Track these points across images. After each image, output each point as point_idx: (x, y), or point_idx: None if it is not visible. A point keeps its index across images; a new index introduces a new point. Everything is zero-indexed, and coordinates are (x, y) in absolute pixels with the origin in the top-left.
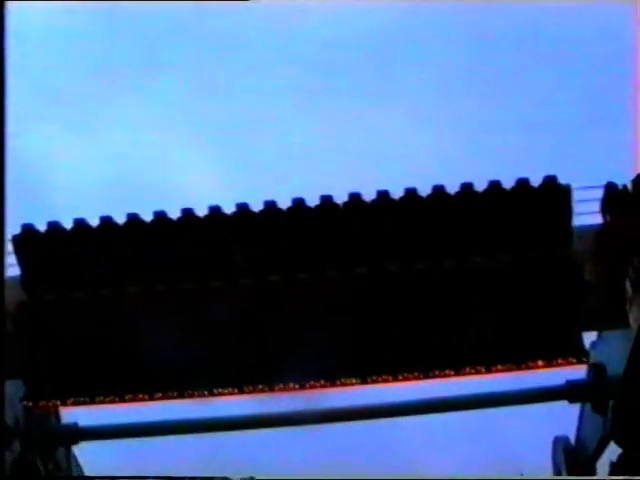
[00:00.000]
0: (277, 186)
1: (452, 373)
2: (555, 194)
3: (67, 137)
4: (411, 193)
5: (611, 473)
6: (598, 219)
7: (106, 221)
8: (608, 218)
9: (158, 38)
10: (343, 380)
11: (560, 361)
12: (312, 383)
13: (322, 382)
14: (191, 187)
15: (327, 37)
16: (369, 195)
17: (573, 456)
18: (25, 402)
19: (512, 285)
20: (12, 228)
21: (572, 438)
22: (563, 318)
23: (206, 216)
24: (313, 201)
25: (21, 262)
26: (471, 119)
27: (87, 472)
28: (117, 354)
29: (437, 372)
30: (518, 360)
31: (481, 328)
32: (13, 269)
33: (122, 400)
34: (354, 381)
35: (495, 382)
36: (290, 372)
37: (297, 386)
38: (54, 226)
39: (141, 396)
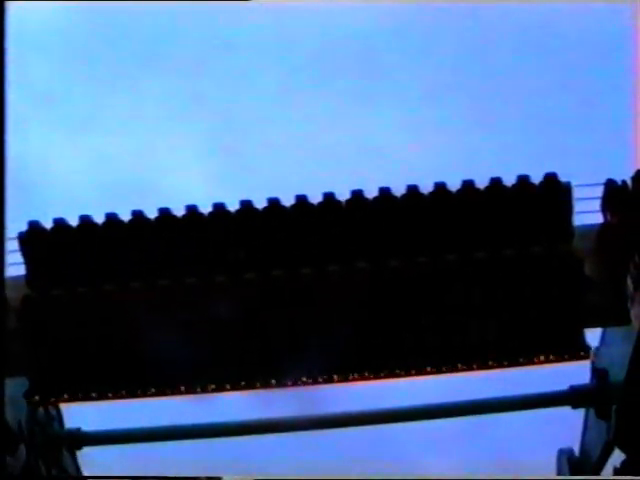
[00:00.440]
0: (272, 185)
1: (450, 369)
2: (556, 191)
3: (59, 137)
4: (413, 191)
5: None
6: (599, 217)
7: (111, 218)
8: (609, 216)
9: (153, 38)
10: (343, 377)
11: (561, 357)
12: (314, 379)
13: (325, 378)
14: (184, 186)
15: (322, 36)
16: (371, 193)
17: (578, 466)
18: (29, 399)
19: (513, 282)
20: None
21: (576, 446)
22: (564, 314)
23: (210, 213)
24: (315, 199)
25: (27, 258)
26: (468, 118)
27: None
28: (123, 350)
29: (435, 368)
30: (519, 356)
31: (481, 324)
32: (18, 267)
33: (129, 396)
34: (353, 377)
35: (496, 387)
36: (294, 368)
37: (301, 382)
38: (60, 223)
39: (148, 392)
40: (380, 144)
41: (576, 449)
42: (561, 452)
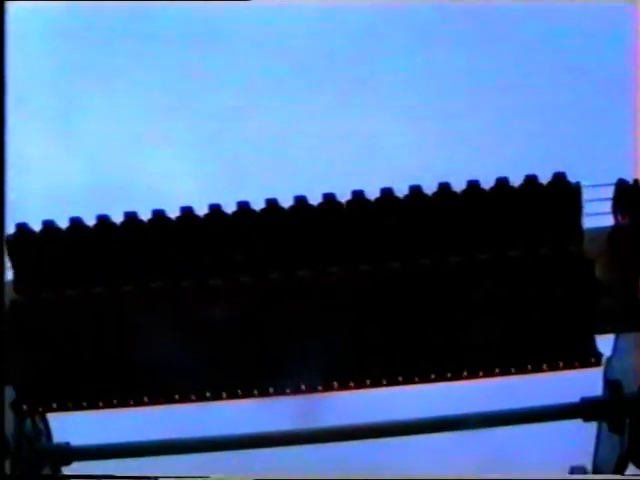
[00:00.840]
0: (268, 185)
1: (454, 377)
2: (565, 192)
3: (42, 138)
4: (416, 191)
5: None
6: (609, 219)
7: (103, 220)
8: (620, 217)
9: (149, 36)
10: (344, 384)
11: (571, 365)
12: (314, 387)
13: (325, 386)
14: (175, 186)
15: (315, 33)
16: (372, 193)
17: None
18: (16, 409)
19: (519, 285)
20: None
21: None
22: (574, 320)
23: (206, 215)
24: (315, 199)
25: (14, 262)
26: (468, 118)
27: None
28: (114, 356)
29: (438, 376)
30: (525, 364)
31: (486, 329)
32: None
33: (121, 405)
34: (354, 385)
35: (504, 399)
36: (293, 375)
37: (300, 390)
38: (49, 225)
39: (141, 401)
40: (381, 143)
41: (588, 465)
42: (573, 471)
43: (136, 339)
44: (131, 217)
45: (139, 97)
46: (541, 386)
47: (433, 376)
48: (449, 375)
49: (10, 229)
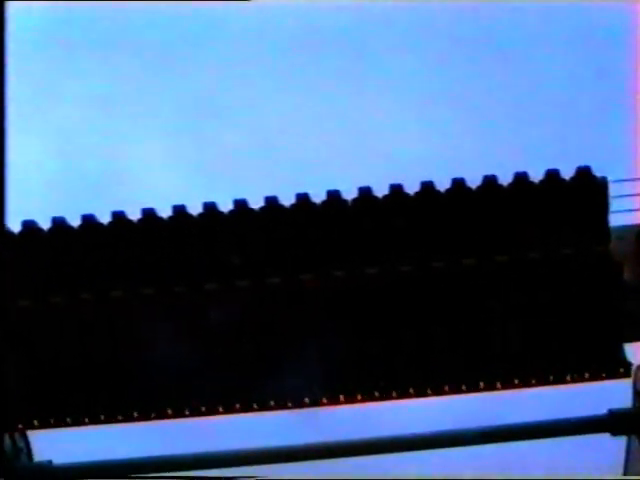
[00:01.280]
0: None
1: (470, 388)
2: (590, 187)
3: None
4: (428, 187)
5: None
6: (638, 216)
7: (88, 220)
8: None
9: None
10: (350, 397)
11: (598, 375)
12: (318, 400)
13: (330, 399)
14: (161, 182)
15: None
16: (380, 190)
17: None
18: None
19: (541, 289)
20: None
21: None
22: (601, 326)
23: (200, 214)
24: (318, 197)
25: None
26: (469, 115)
27: None
28: (101, 368)
29: (453, 387)
30: (548, 374)
31: (504, 337)
32: None
33: (109, 421)
34: (361, 398)
35: (527, 412)
36: (295, 387)
37: (303, 403)
38: (30, 226)
39: (130, 416)
40: (386, 137)
41: None
42: None
43: (125, 350)
44: (119, 217)
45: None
46: (565, 397)
47: (447, 388)
48: (464, 387)
49: None
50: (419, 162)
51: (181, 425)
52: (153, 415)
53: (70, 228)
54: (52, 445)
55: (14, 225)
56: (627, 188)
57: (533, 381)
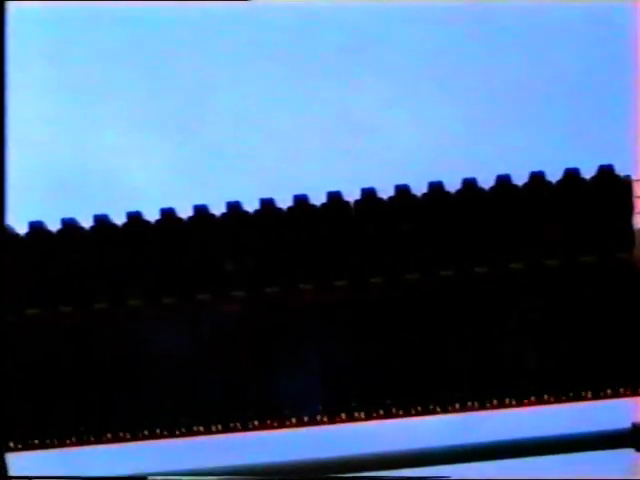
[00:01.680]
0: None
1: (482, 406)
2: (612, 188)
3: None
4: (436, 189)
5: None
6: None
7: (68, 225)
8: None
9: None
10: (355, 415)
11: (621, 391)
12: (320, 418)
13: (333, 417)
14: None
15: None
16: (385, 192)
17: None
18: None
19: (559, 299)
20: None
21: None
22: (624, 338)
23: (190, 218)
24: (318, 199)
25: None
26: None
27: None
28: (85, 385)
29: (465, 406)
30: (568, 391)
31: (523, 351)
32: None
33: (94, 442)
34: (368, 416)
35: (542, 425)
36: (296, 405)
37: (304, 422)
38: (6, 232)
39: (117, 436)
40: (388, 136)
41: None
42: None
43: (111, 364)
44: (102, 221)
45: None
46: (584, 410)
47: (458, 405)
48: (476, 405)
49: None
50: (426, 162)
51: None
52: (142, 435)
53: (49, 233)
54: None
55: None
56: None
57: (550, 398)
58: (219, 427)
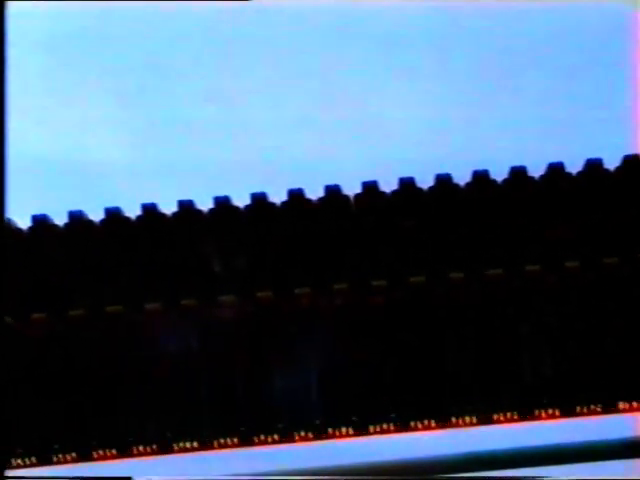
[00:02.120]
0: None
1: (495, 420)
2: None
3: None
4: (444, 182)
5: None
6: None
7: (40, 222)
8: None
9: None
10: (359, 429)
11: None
12: (322, 433)
13: (335, 431)
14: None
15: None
16: (388, 185)
17: None
18: None
19: (580, 303)
20: None
21: None
22: None
23: (175, 214)
24: (315, 193)
25: None
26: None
27: None
28: (65, 399)
29: (478, 419)
30: (589, 402)
31: (538, 359)
32: None
33: (80, 459)
34: (372, 430)
35: (546, 432)
36: (293, 419)
37: (306, 437)
38: None
39: (106, 452)
40: (390, 127)
41: None
42: None
43: (91, 377)
44: (76, 218)
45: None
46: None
47: (469, 419)
48: (492, 418)
49: None
50: (433, 153)
51: None
52: (133, 452)
53: (17, 231)
54: None
55: None
56: None
57: (568, 410)
58: (209, 443)
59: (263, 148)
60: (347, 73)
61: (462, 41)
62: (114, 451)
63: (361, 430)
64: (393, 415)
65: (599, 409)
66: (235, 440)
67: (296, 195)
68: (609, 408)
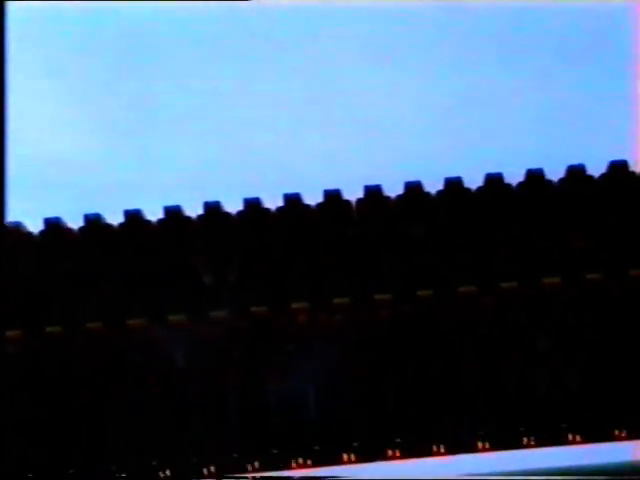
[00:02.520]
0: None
1: (513, 445)
2: None
3: None
4: (454, 186)
5: None
6: None
7: (15, 228)
8: None
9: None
10: (363, 456)
11: None
12: (325, 461)
13: (338, 459)
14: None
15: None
16: (393, 190)
17: None
18: None
19: (602, 319)
20: None
21: None
22: None
23: (161, 221)
24: (313, 198)
25: None
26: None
27: None
28: (38, 424)
29: (492, 443)
30: (617, 426)
31: (556, 380)
32: None
33: None
34: (376, 457)
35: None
36: (290, 447)
37: (306, 465)
38: None
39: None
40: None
41: None
42: None
43: (66, 399)
44: (53, 225)
45: None
46: None
47: (481, 445)
48: (505, 444)
49: None
50: (441, 155)
51: None
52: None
53: None
54: None
55: None
56: None
57: (591, 435)
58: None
59: (259, 149)
60: (346, 73)
61: (462, 41)
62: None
63: (364, 456)
64: (398, 440)
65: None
66: (226, 467)
67: (293, 200)
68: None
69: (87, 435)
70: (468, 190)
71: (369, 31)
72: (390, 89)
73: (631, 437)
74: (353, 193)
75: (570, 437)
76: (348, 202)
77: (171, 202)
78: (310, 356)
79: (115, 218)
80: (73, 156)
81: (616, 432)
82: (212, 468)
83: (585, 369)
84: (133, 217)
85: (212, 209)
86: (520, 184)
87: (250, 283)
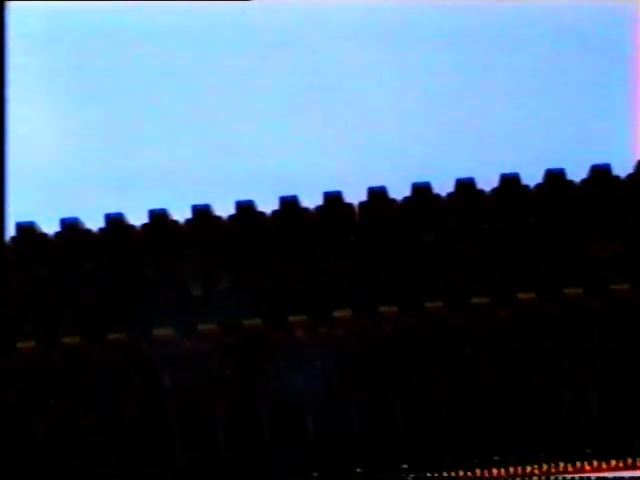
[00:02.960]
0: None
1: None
2: None
3: None
4: (466, 188)
5: None
6: None
7: None
8: None
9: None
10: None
11: None
12: None
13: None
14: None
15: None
16: (400, 191)
17: None
18: None
19: (628, 333)
20: None
21: None
22: None
23: (145, 226)
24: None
25: None
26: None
27: None
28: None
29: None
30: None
31: (579, 400)
32: None
33: None
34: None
35: None
36: (283, 472)
37: None
38: None
39: None
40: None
41: None
42: None
43: (38, 420)
44: (26, 230)
45: None
46: None
47: (496, 470)
48: (525, 469)
49: None
50: (450, 154)
51: None
52: None
53: None
54: None
55: None
56: None
57: (615, 462)
58: None
59: (255, 149)
60: (347, 73)
61: (463, 41)
62: None
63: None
64: (405, 466)
65: None
66: None
67: (290, 204)
68: None
69: (58, 457)
70: (482, 192)
71: (370, 31)
72: (394, 87)
73: None
74: (355, 195)
75: (595, 464)
76: (350, 205)
77: (156, 205)
78: (308, 374)
79: (95, 222)
80: (51, 155)
81: None
82: None
83: (610, 389)
84: (115, 221)
85: (201, 213)
86: (539, 185)
87: (242, 294)
